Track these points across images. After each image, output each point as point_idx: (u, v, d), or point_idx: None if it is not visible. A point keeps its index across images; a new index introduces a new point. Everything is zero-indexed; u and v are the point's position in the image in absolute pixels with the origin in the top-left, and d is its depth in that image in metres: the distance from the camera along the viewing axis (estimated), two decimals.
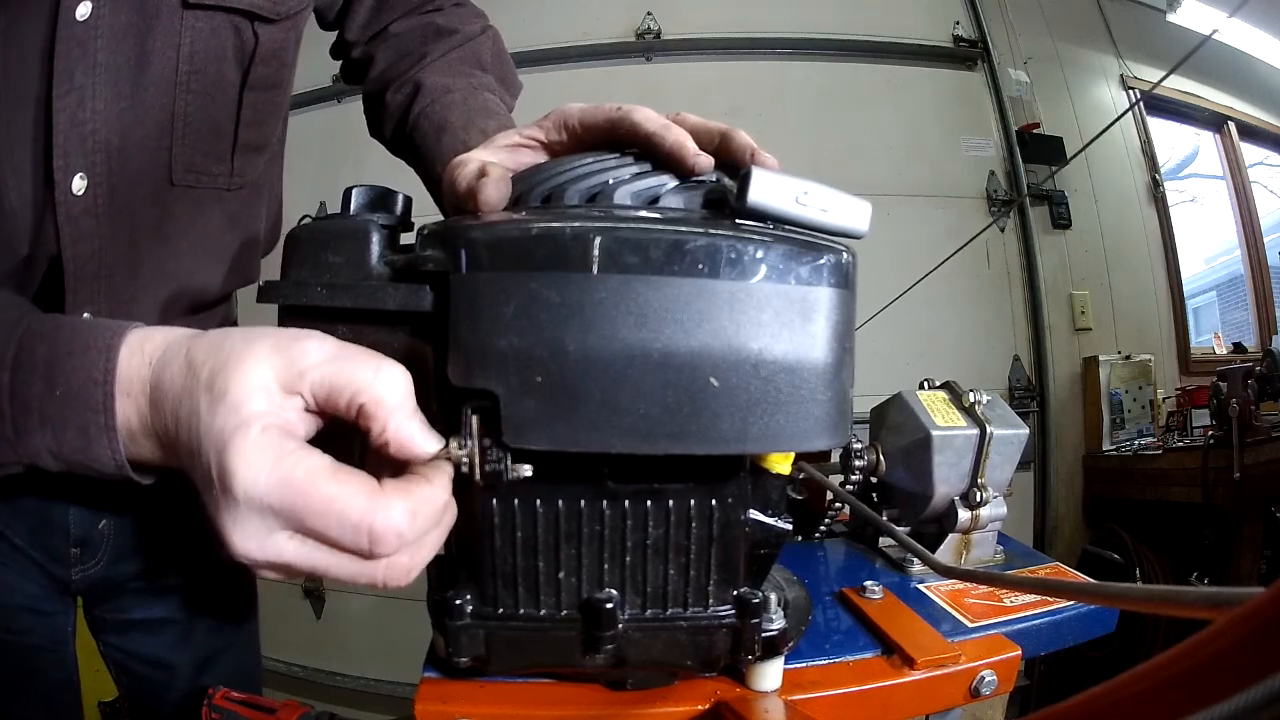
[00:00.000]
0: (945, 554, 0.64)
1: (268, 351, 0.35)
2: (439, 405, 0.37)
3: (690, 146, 0.42)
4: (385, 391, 0.34)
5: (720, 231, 0.33)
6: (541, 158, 0.48)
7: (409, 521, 0.33)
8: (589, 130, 0.46)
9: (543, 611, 0.40)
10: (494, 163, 0.45)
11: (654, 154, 0.43)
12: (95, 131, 0.50)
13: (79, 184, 0.50)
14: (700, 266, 0.33)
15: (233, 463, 0.33)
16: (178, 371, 0.36)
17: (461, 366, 0.34)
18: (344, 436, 0.36)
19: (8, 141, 0.49)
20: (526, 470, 0.36)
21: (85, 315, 0.52)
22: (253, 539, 0.34)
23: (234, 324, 0.73)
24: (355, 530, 0.33)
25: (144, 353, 0.37)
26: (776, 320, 0.34)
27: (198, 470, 0.35)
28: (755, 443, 0.34)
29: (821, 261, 0.35)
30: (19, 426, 0.38)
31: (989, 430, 0.62)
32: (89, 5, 0.48)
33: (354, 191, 0.44)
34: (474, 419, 0.36)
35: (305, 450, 0.34)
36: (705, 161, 0.42)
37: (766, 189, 0.36)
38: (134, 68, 0.51)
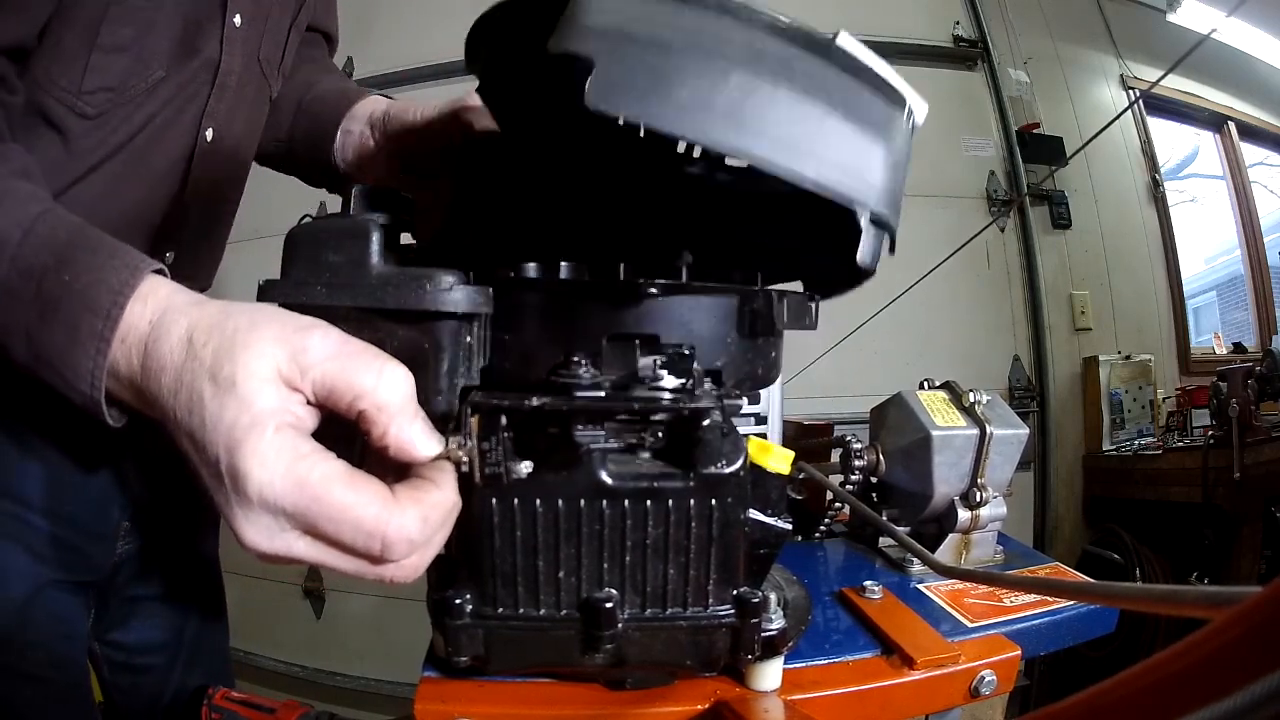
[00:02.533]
0: (945, 554, 0.65)
1: (272, 340, 0.34)
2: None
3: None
4: (387, 396, 0.34)
5: None
6: None
7: (420, 528, 0.34)
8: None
9: (542, 611, 0.40)
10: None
11: None
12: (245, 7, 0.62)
13: (239, 19, 0.62)
14: None
15: (246, 464, 0.32)
16: (176, 345, 0.35)
17: (566, 32, 0.31)
18: (344, 429, 0.36)
19: None
20: (526, 468, 0.36)
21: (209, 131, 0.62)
22: (263, 535, 0.34)
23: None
24: (369, 538, 0.33)
25: (147, 306, 0.37)
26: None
27: (201, 458, 0.34)
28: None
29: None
30: (8, 289, 0.37)
31: (989, 430, 0.62)
32: None
33: (354, 191, 0.44)
34: (473, 420, 0.36)
35: (319, 454, 0.34)
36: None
37: None
38: None
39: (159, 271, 0.39)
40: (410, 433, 0.35)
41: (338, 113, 0.75)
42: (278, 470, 0.32)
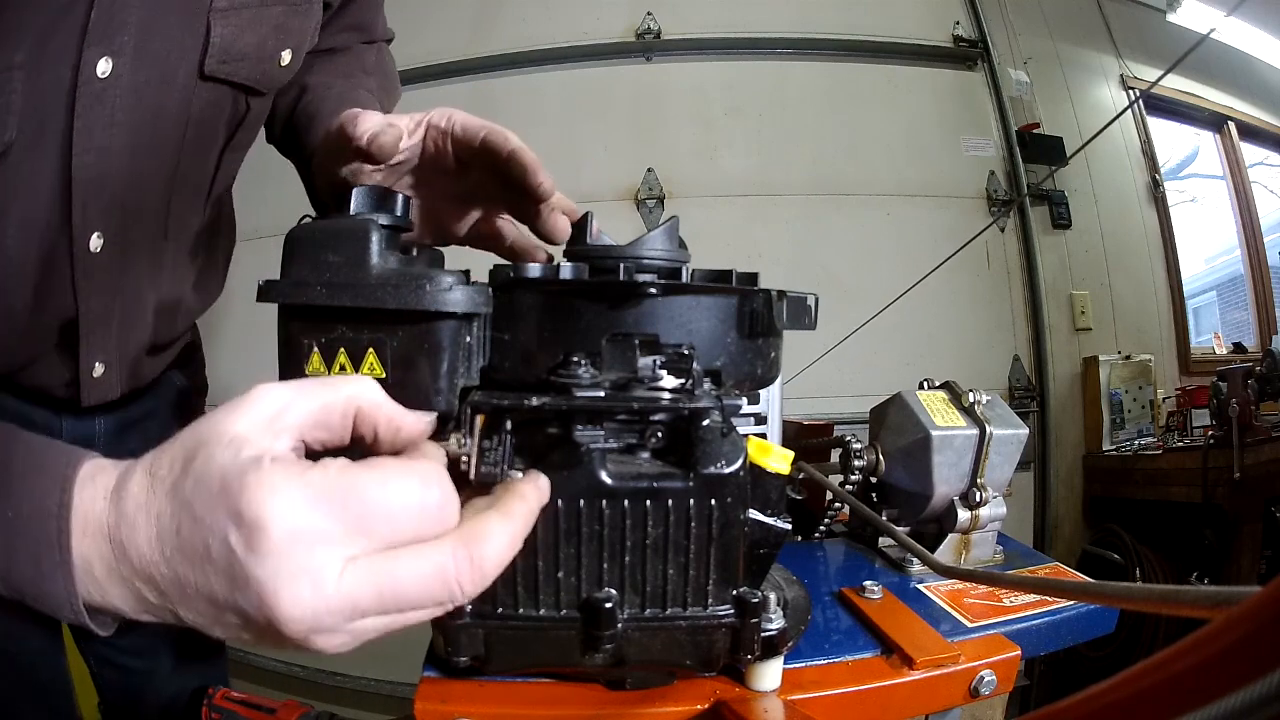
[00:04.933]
0: (945, 554, 0.65)
1: (236, 412, 0.31)
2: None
3: (541, 172, 0.46)
4: (370, 389, 0.34)
5: None
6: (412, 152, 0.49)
7: (440, 479, 0.31)
8: (461, 144, 0.49)
9: (542, 611, 0.40)
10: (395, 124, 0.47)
11: (509, 174, 0.47)
12: (113, 191, 0.50)
13: (96, 242, 0.50)
14: None
15: (256, 509, 0.28)
16: (139, 488, 0.31)
17: None
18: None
19: (20, 190, 0.47)
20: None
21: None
22: (311, 589, 0.28)
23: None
24: (421, 508, 0.30)
25: (96, 484, 0.32)
26: None
27: (203, 557, 0.29)
28: None
29: None
30: None
31: (989, 430, 0.62)
32: (110, 62, 0.47)
33: (354, 191, 0.44)
34: (478, 419, 0.36)
35: (321, 463, 0.31)
36: (549, 186, 0.47)
37: None
38: (149, 127, 0.51)
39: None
40: (398, 410, 0.34)
41: (312, 139, 0.63)
42: (293, 491, 0.28)
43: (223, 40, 0.52)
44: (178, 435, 0.32)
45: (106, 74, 0.47)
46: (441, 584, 0.30)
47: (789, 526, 0.43)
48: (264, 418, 0.31)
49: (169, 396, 0.71)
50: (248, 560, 0.28)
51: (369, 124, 0.45)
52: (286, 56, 0.59)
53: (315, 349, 0.39)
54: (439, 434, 0.37)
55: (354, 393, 0.33)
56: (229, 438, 0.30)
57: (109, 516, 0.31)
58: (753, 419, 0.66)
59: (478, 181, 0.50)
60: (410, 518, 0.30)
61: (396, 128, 0.46)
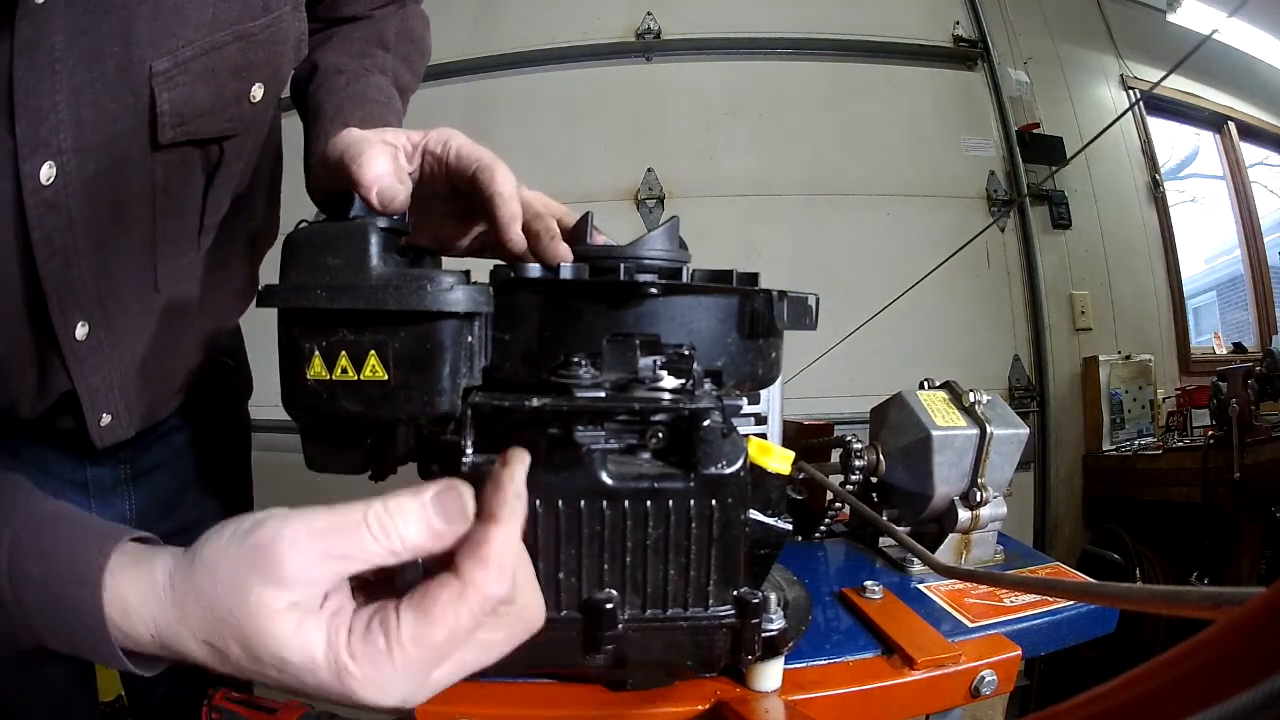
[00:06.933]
0: (945, 554, 0.65)
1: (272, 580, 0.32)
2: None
3: (513, 226, 0.47)
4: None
5: None
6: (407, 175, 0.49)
7: (497, 571, 0.32)
8: (456, 173, 0.49)
9: None
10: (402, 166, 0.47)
11: (488, 218, 0.48)
12: (89, 288, 0.49)
13: (81, 331, 0.50)
14: None
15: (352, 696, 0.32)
16: (199, 652, 0.34)
17: None
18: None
19: None
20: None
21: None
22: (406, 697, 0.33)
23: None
24: (483, 600, 0.32)
25: (130, 619, 0.34)
26: None
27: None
28: None
29: None
30: (29, 626, 0.35)
31: (989, 430, 0.62)
32: (53, 166, 0.44)
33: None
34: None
35: (379, 608, 0.33)
36: (519, 243, 0.47)
37: None
38: (110, 215, 0.49)
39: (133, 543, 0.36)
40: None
41: (313, 137, 0.60)
42: (391, 677, 0.32)
43: (173, 105, 0.48)
44: (214, 591, 0.32)
45: (52, 178, 0.44)
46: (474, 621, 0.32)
47: (789, 527, 0.43)
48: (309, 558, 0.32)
49: (189, 431, 0.69)
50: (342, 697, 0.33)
51: (374, 171, 0.45)
52: (259, 92, 0.53)
53: (316, 352, 0.39)
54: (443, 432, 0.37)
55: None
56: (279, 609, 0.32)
57: (171, 640, 0.34)
58: (753, 419, 0.66)
59: (475, 203, 0.50)
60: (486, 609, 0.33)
61: (407, 185, 0.46)
